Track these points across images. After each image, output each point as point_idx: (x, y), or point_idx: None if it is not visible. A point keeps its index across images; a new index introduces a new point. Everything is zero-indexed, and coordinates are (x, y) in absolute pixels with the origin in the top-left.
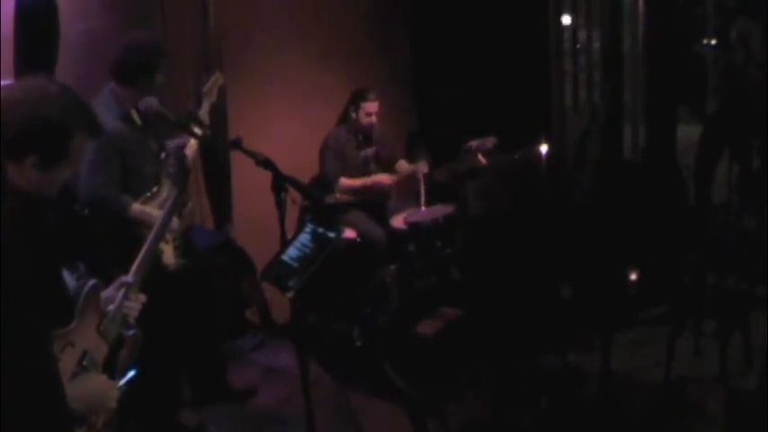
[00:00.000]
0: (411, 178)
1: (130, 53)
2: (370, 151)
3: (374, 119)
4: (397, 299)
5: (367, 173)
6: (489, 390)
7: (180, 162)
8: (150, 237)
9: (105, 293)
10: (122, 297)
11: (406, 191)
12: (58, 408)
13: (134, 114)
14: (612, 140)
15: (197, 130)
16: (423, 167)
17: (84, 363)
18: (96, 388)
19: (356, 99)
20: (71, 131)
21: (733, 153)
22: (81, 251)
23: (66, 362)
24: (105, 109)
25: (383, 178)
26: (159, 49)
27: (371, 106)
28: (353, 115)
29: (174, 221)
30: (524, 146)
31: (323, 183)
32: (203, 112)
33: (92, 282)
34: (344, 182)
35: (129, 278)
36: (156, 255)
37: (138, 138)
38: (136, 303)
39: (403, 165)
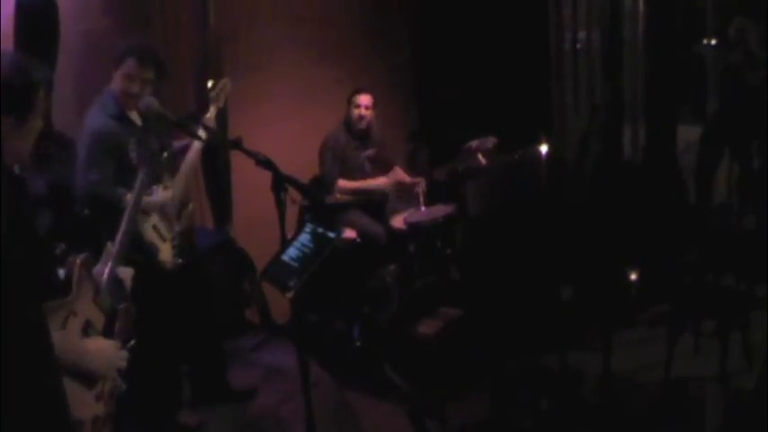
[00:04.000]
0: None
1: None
2: (369, 153)
3: (367, 113)
4: (397, 299)
5: (366, 174)
6: (489, 390)
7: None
8: (129, 206)
9: (96, 269)
10: (111, 267)
11: (407, 193)
12: (55, 397)
13: (133, 115)
14: (612, 140)
15: (200, 132)
16: (421, 183)
17: (89, 332)
18: (107, 348)
19: (350, 95)
20: (36, 82)
21: (733, 153)
22: (81, 250)
23: (72, 331)
24: (101, 109)
25: (381, 181)
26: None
27: (364, 99)
28: (349, 112)
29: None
30: (524, 146)
31: (322, 183)
32: (210, 117)
33: (83, 254)
34: (342, 183)
35: (114, 248)
36: (137, 229)
37: (136, 137)
38: (128, 268)
39: (399, 173)
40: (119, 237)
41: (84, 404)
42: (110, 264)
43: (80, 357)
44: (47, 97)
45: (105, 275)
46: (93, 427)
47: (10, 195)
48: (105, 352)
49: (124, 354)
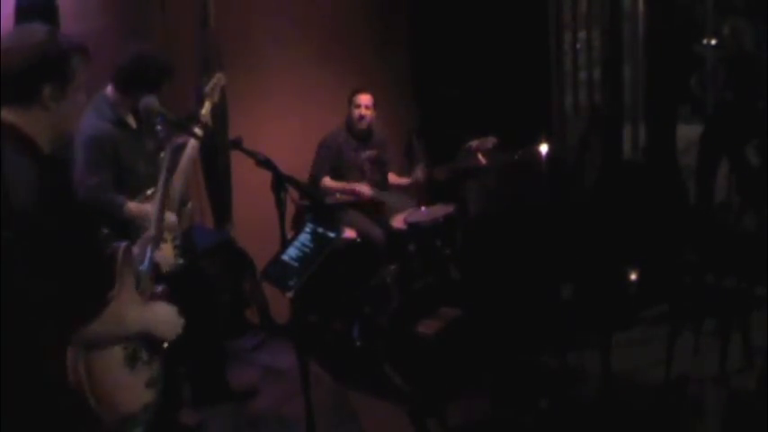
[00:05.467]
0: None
1: (141, 65)
2: (369, 154)
3: (367, 113)
4: (397, 299)
5: (364, 175)
6: (489, 390)
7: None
8: (159, 187)
9: (134, 252)
10: (151, 252)
11: (407, 193)
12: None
13: (128, 118)
14: (612, 140)
15: (197, 131)
16: (417, 172)
17: None
18: (167, 314)
19: (351, 95)
20: (68, 51)
21: (732, 152)
22: None
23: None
24: (96, 113)
25: (363, 189)
26: (170, 70)
27: (364, 98)
28: (350, 112)
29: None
30: (524, 146)
31: (312, 181)
32: (205, 113)
33: (124, 243)
34: (326, 182)
35: (151, 232)
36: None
37: (133, 140)
38: (165, 249)
39: (393, 177)
40: (154, 221)
41: (137, 396)
42: (149, 248)
43: (146, 324)
44: (84, 68)
45: (146, 261)
46: (143, 415)
47: (44, 177)
48: (165, 320)
49: (182, 321)
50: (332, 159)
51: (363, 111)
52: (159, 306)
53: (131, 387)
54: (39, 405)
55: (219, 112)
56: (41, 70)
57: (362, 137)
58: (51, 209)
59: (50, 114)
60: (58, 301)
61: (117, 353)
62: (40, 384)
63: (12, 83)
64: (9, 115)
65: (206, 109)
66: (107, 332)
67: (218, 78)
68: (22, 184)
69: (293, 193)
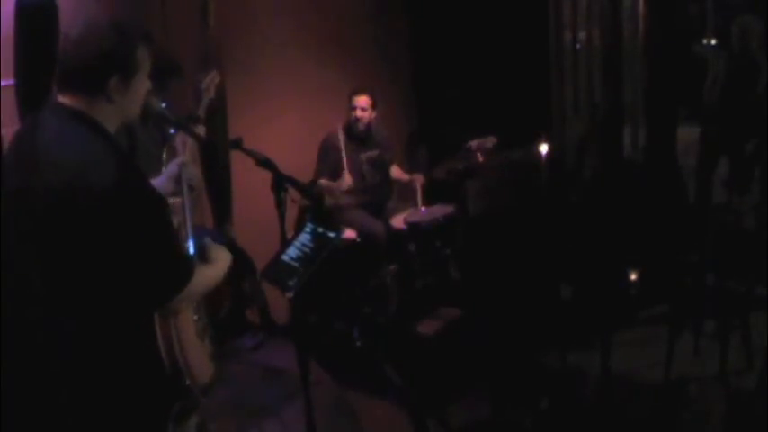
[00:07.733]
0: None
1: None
2: (369, 154)
3: (364, 114)
4: (397, 299)
5: (362, 176)
6: (489, 390)
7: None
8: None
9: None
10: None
11: (407, 192)
12: None
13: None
14: (612, 140)
15: (199, 129)
16: (419, 179)
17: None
18: (224, 256)
19: (349, 96)
20: (135, 41)
21: (732, 153)
22: None
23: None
24: None
25: (343, 183)
26: (175, 68)
27: (360, 99)
28: (349, 113)
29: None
30: (524, 146)
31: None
32: (202, 110)
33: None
34: (322, 183)
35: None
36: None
37: (143, 125)
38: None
39: (396, 171)
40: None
41: (208, 368)
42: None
43: (215, 269)
44: (149, 56)
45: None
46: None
47: (120, 160)
48: (224, 261)
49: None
50: (330, 161)
51: (359, 113)
52: (215, 250)
53: (204, 359)
54: (138, 380)
55: (219, 111)
56: (108, 65)
57: (361, 138)
58: (131, 190)
59: (114, 106)
60: (143, 278)
61: (192, 324)
62: (139, 360)
63: (79, 75)
64: (75, 103)
65: (203, 105)
66: (194, 289)
67: (213, 75)
68: (99, 165)
69: (293, 193)
